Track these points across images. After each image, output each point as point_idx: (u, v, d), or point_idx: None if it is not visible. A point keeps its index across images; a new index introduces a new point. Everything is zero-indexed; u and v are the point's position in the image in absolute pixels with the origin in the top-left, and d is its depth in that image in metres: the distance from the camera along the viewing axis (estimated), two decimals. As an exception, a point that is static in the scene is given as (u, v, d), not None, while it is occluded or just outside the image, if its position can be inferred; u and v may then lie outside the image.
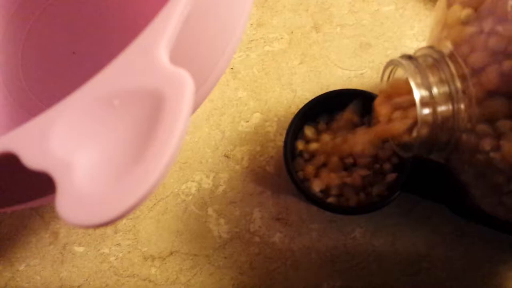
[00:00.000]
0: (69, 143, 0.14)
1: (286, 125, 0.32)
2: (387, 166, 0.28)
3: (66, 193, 0.13)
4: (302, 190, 0.28)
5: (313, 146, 0.29)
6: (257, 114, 0.32)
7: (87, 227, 0.13)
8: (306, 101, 0.32)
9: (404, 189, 0.27)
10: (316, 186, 0.28)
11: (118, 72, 0.14)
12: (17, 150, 0.14)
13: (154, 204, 0.31)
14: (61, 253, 0.31)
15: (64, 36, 0.33)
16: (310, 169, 0.28)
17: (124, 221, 0.31)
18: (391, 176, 0.27)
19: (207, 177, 0.31)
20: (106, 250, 0.31)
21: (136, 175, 0.13)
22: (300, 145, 0.29)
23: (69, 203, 0.13)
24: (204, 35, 0.17)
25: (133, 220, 0.31)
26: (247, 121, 0.32)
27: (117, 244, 0.31)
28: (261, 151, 0.32)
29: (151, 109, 0.14)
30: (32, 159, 0.14)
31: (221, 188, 0.31)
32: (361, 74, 0.33)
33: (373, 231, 0.29)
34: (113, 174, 0.14)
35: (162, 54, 0.14)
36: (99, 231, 0.31)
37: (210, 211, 0.31)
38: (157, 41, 0.14)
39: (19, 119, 0.32)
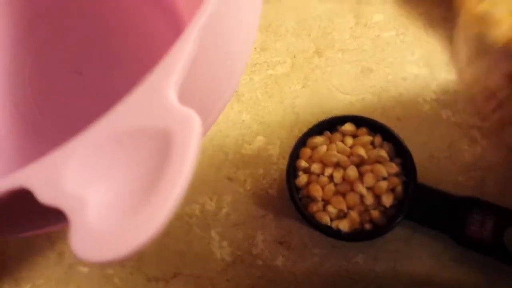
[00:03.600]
0: (82, 180, 0.14)
1: (289, 148, 0.32)
2: (389, 194, 0.28)
3: (79, 229, 0.14)
4: (304, 215, 0.28)
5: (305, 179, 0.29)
6: (260, 137, 0.33)
7: (99, 263, 0.14)
8: (308, 124, 0.33)
9: (406, 217, 0.28)
10: (324, 216, 0.28)
11: (129, 110, 0.15)
12: (32, 186, 0.14)
13: (158, 226, 0.31)
14: (66, 273, 0.31)
15: (71, 57, 0.34)
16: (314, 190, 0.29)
17: (128, 242, 0.31)
18: (392, 204, 0.28)
19: (211, 199, 0.32)
20: (111, 271, 0.31)
21: (147, 213, 0.14)
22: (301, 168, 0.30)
23: (82, 239, 0.14)
24: (210, 71, 0.18)
25: (137, 241, 0.31)
26: (250, 144, 0.33)
27: (121, 265, 0.31)
28: (263, 174, 0.32)
29: (160, 147, 0.14)
30: (46, 195, 0.14)
31: (224, 210, 0.32)
32: (362, 98, 0.33)
33: (375, 257, 0.30)
34: (125, 211, 0.14)
35: (171, 93, 0.15)
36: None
37: (213, 233, 0.31)
38: (167, 81, 0.15)
39: (27, 139, 0.33)
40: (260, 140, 0.33)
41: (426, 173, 0.31)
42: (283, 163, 0.32)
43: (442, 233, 0.28)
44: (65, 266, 0.31)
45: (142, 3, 0.33)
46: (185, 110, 0.15)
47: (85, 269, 0.31)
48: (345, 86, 0.33)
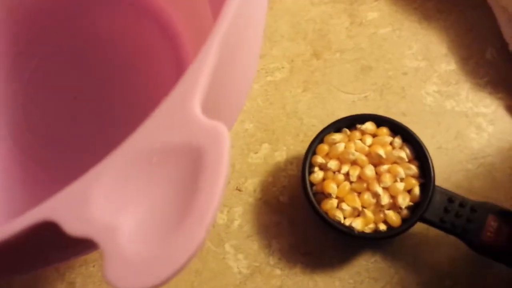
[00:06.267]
0: (111, 205, 0.14)
1: (296, 153, 0.32)
2: (406, 196, 0.28)
3: (113, 258, 0.13)
4: (317, 211, 0.27)
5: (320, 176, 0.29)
6: (266, 145, 0.32)
7: (138, 291, 0.13)
8: (313, 128, 0.32)
9: (421, 219, 0.27)
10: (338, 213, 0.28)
11: (154, 129, 0.14)
12: (58, 218, 0.13)
13: (170, 245, 0.31)
14: (79, 303, 0.30)
15: (66, 81, 0.33)
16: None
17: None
18: (408, 205, 0.27)
19: (221, 212, 0.31)
20: (125, 296, 0.30)
21: (183, 233, 0.13)
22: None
23: (117, 268, 0.13)
24: (229, 82, 0.17)
25: (151, 263, 0.30)
26: (256, 153, 0.32)
27: None
28: (273, 182, 0.32)
29: (191, 164, 0.14)
30: (74, 227, 0.13)
31: (236, 223, 0.31)
32: (365, 97, 0.33)
33: (394, 253, 0.29)
34: (159, 233, 0.13)
35: (196, 108, 0.14)
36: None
37: (227, 247, 0.30)
38: (191, 94, 0.14)
39: (21, 164, 0.32)
40: (266, 148, 0.32)
41: (436, 165, 0.31)
42: (292, 169, 0.32)
43: (457, 238, 0.27)
44: (78, 296, 0.30)
45: (138, 20, 0.32)
46: (213, 123, 0.14)
47: (98, 297, 0.30)
48: (346, 86, 0.33)
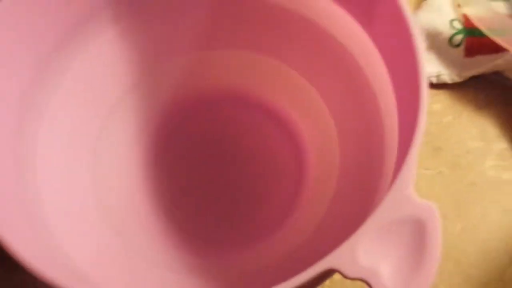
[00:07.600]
0: (371, 257, 0.21)
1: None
2: None
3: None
4: None
5: None
6: None
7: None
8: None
9: None
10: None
11: (389, 206, 0.22)
12: (338, 266, 0.21)
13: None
14: None
15: (196, 173, 0.40)
16: None
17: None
18: None
19: None
20: None
21: (419, 279, 0.21)
22: None
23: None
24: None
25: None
26: None
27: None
28: None
29: (417, 232, 0.22)
30: (351, 272, 0.21)
31: None
32: (439, 172, 0.41)
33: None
34: (405, 279, 0.21)
35: (413, 191, 0.22)
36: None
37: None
38: (409, 183, 0.22)
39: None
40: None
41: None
42: None
43: None
44: None
45: (262, 119, 0.40)
46: (427, 202, 0.22)
47: None
48: (425, 163, 0.42)
